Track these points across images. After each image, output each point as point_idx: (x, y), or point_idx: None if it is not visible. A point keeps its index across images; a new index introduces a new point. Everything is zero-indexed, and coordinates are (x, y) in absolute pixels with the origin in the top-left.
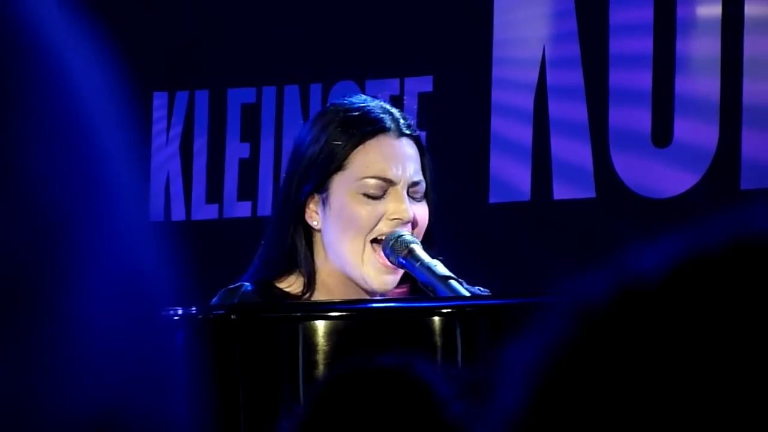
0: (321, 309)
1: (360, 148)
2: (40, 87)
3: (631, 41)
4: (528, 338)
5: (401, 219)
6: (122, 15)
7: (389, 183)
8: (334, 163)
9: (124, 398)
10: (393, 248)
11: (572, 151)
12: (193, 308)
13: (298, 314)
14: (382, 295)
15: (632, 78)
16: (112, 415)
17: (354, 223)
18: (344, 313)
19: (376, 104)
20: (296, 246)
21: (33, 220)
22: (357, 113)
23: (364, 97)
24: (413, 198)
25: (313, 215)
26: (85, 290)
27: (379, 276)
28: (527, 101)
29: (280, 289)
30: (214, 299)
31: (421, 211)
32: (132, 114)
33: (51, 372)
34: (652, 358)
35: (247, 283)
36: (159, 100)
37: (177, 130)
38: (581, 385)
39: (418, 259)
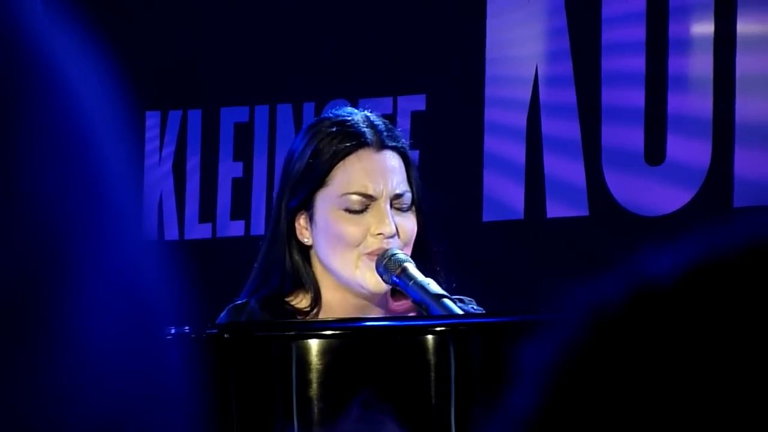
0: (314, 328)
1: (341, 164)
2: (39, 101)
3: (623, 59)
4: (543, 341)
5: (383, 234)
6: (115, 34)
7: (370, 198)
8: (317, 180)
9: (124, 416)
10: (386, 267)
11: (565, 169)
12: (186, 327)
13: (291, 333)
14: (378, 298)
15: (625, 96)
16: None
17: (341, 240)
18: (337, 332)
19: (360, 117)
20: (296, 263)
21: (32, 235)
22: (339, 128)
23: (350, 109)
24: (399, 209)
25: (304, 232)
26: (85, 306)
27: (374, 278)
28: (520, 119)
29: (292, 306)
30: (221, 315)
31: (406, 223)
32: (127, 132)
33: (51, 389)
34: (667, 361)
35: (253, 301)
36: (152, 119)
37: (170, 149)
38: (595, 388)
39: (411, 277)
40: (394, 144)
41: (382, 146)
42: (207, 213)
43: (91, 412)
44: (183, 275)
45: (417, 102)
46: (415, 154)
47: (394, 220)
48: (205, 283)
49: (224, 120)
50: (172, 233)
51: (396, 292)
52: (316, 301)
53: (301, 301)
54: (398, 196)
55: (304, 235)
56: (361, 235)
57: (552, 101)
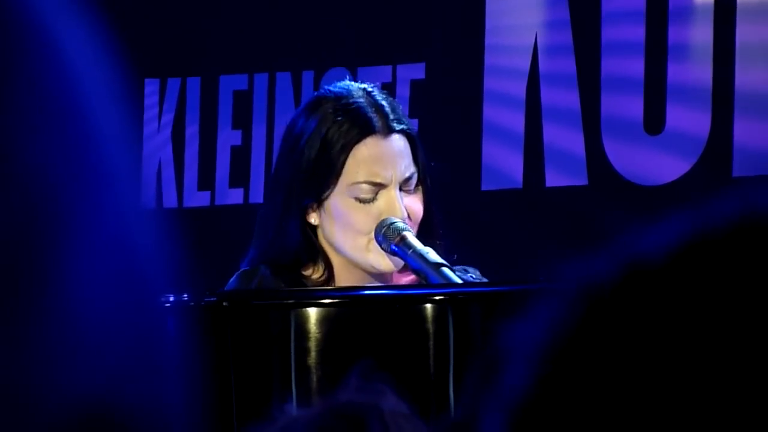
0: (313, 296)
1: (350, 153)
2: (34, 65)
3: (623, 29)
4: (533, 319)
5: (395, 217)
6: (113, 2)
7: (379, 186)
8: (330, 176)
9: (120, 385)
10: (385, 235)
11: (564, 138)
12: (185, 295)
13: (290, 302)
14: (389, 276)
15: (625, 65)
16: (108, 401)
17: (352, 228)
18: (336, 301)
19: (364, 98)
20: (308, 240)
21: (26, 200)
22: (344, 116)
23: (350, 86)
24: (406, 192)
25: (311, 214)
26: (79, 274)
27: (384, 259)
28: (519, 89)
29: (306, 276)
30: (231, 281)
31: (414, 203)
32: (125, 98)
33: (45, 358)
34: (658, 338)
35: (266, 269)
36: (150, 86)
37: (168, 117)
38: (587, 366)
39: (410, 246)
40: (400, 127)
41: (388, 131)
42: (206, 181)
43: (85, 379)
44: (181, 243)
45: (416, 70)
46: (414, 123)
47: (403, 204)
48: (203, 251)
49: (223, 88)
50: (170, 201)
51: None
52: (329, 274)
53: (314, 273)
54: (407, 180)
55: (311, 217)
56: (370, 222)
57: (551, 70)
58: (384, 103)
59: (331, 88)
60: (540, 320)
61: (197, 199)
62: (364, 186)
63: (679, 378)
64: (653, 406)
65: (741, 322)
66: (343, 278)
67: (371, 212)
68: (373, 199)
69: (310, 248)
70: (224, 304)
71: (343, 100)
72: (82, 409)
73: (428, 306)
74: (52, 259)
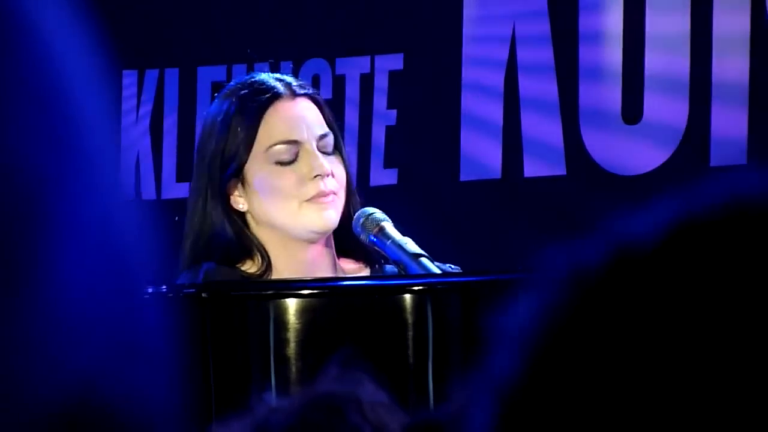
0: (292, 287)
1: (261, 120)
2: (14, 53)
3: (600, 18)
4: (522, 305)
5: (320, 174)
6: None
7: (296, 144)
8: (246, 142)
9: (99, 370)
10: (363, 226)
11: (543, 128)
12: (163, 286)
13: (269, 292)
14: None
15: (602, 55)
16: (91, 390)
17: (279, 193)
18: (315, 291)
19: (265, 76)
20: (238, 231)
21: (7, 193)
22: (249, 89)
23: (253, 73)
24: (324, 153)
25: (237, 199)
26: (62, 264)
27: (318, 218)
28: (498, 79)
29: (243, 272)
30: (178, 281)
31: (335, 165)
32: (105, 89)
33: (28, 348)
34: (647, 324)
35: (208, 263)
36: (129, 78)
37: (147, 108)
38: (576, 352)
39: (389, 237)
40: (304, 92)
41: (294, 95)
42: (184, 172)
43: (68, 368)
44: (160, 234)
45: (395, 61)
46: (392, 114)
47: (324, 162)
48: (182, 242)
49: (201, 79)
50: (149, 193)
51: (343, 251)
52: (267, 265)
53: (251, 267)
54: (322, 137)
55: (238, 203)
56: (296, 185)
57: (529, 60)
58: (285, 77)
59: (231, 83)
60: (529, 306)
61: (176, 190)
62: (281, 147)
63: (668, 364)
64: (642, 392)
65: (729, 308)
66: (282, 265)
67: (294, 174)
68: (293, 161)
69: (243, 239)
70: (203, 295)
71: (246, 81)
72: (65, 399)
73: (407, 296)
74: (34, 249)
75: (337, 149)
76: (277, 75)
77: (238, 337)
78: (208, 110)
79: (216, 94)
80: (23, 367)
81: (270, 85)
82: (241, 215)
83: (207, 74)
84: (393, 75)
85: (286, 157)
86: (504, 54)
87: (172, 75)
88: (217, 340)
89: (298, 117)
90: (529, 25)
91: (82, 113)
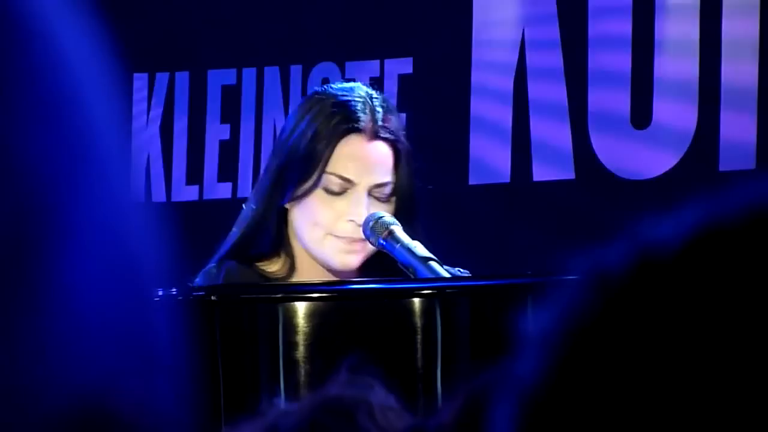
0: (301, 290)
1: (334, 147)
2: (26, 63)
3: (610, 23)
4: (546, 309)
5: (356, 222)
6: None
7: (349, 183)
8: (313, 166)
9: (114, 378)
10: (373, 229)
11: (552, 132)
12: (174, 290)
13: (278, 296)
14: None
15: (611, 60)
16: (102, 394)
17: (313, 218)
18: (324, 295)
19: (361, 98)
20: (278, 230)
21: (19, 197)
22: (338, 110)
23: (350, 85)
24: (377, 198)
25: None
26: (73, 268)
27: (340, 257)
28: (507, 83)
29: (262, 270)
30: (197, 279)
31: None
32: (116, 93)
33: (39, 352)
34: (671, 329)
35: (230, 262)
36: (139, 81)
37: (157, 111)
38: (600, 357)
39: (398, 240)
40: (386, 135)
41: (373, 136)
42: (194, 175)
43: (79, 372)
44: (170, 237)
45: (404, 65)
46: (402, 117)
47: (369, 209)
48: (192, 245)
49: (212, 82)
50: (159, 195)
51: (365, 270)
52: (292, 265)
53: (272, 266)
54: (379, 186)
55: (289, 203)
56: (331, 218)
57: (538, 65)
58: (379, 108)
59: (332, 85)
60: (553, 310)
61: (186, 193)
62: (334, 178)
63: (691, 369)
64: (665, 397)
65: (752, 313)
66: (305, 272)
67: (335, 208)
68: (340, 194)
69: (278, 235)
70: (213, 298)
71: (340, 96)
72: (76, 402)
73: (416, 300)
74: (46, 253)
75: (395, 196)
76: (374, 102)
77: (248, 341)
78: (291, 114)
79: (311, 95)
80: (36, 372)
81: (356, 115)
82: (284, 211)
83: (217, 78)
84: (402, 79)
85: (335, 189)
86: (513, 58)
87: (182, 78)
88: (227, 344)
89: (364, 160)
90: (538, 29)
91: (92, 117)
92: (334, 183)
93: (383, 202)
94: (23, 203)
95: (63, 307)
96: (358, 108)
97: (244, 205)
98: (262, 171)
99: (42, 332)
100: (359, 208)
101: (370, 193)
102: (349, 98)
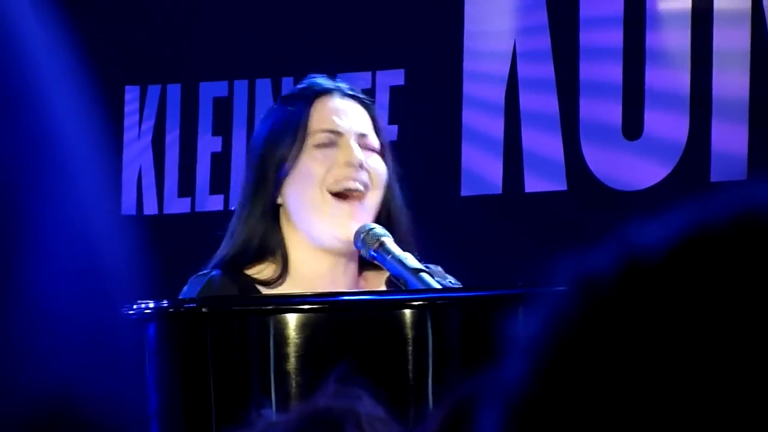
0: (292, 302)
1: (310, 110)
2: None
3: (601, 34)
4: (532, 314)
5: (351, 163)
6: (94, 9)
7: (337, 134)
8: (292, 135)
9: (80, 383)
10: (364, 241)
11: (543, 143)
12: (165, 301)
13: (269, 307)
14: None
15: (603, 71)
16: (67, 397)
17: (309, 176)
18: (315, 306)
19: (316, 77)
20: (268, 232)
21: None
22: (299, 88)
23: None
24: (365, 148)
25: (277, 196)
26: (42, 274)
27: (343, 225)
28: (498, 94)
29: (250, 276)
30: (185, 287)
31: (375, 162)
32: (102, 107)
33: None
34: (656, 334)
35: (216, 271)
36: (131, 93)
37: (149, 124)
38: (588, 363)
39: (389, 251)
40: (353, 93)
41: (343, 95)
42: (186, 187)
43: (42, 370)
44: (162, 249)
45: (396, 77)
46: (393, 129)
47: (360, 155)
48: (184, 257)
49: (203, 94)
50: (151, 207)
51: (366, 265)
52: (284, 268)
53: (263, 272)
54: (363, 135)
55: (277, 197)
56: (326, 167)
57: (530, 76)
58: (341, 83)
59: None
60: (539, 317)
61: (178, 205)
62: (322, 134)
63: (677, 374)
64: (652, 402)
65: (739, 320)
66: (300, 271)
67: (328, 157)
68: (330, 146)
69: (269, 237)
70: (203, 309)
71: (301, 85)
72: (43, 404)
73: (407, 311)
74: (18, 259)
75: (382, 154)
76: (331, 78)
77: (238, 352)
78: (258, 122)
79: (267, 109)
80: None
81: (319, 82)
82: (276, 210)
83: (209, 90)
84: (394, 90)
85: (324, 141)
86: (505, 69)
87: (174, 90)
88: (217, 355)
89: (343, 111)
90: (529, 40)
91: (68, 131)
92: (322, 137)
93: (371, 152)
94: None
95: (32, 311)
96: (320, 81)
97: (233, 217)
98: (242, 178)
99: (11, 335)
100: (350, 150)
101: (358, 143)
102: (310, 80)
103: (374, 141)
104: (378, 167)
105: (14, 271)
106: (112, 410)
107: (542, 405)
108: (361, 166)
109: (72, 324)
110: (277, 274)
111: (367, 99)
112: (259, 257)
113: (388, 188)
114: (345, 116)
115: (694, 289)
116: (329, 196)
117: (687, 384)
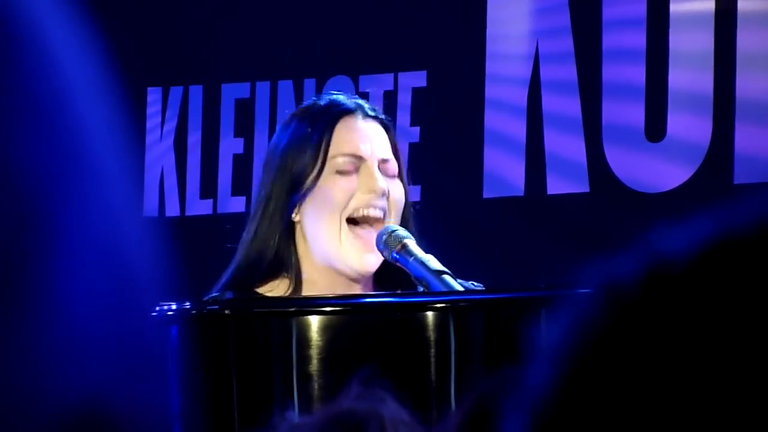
0: (314, 304)
1: (332, 132)
2: (26, 75)
3: (624, 36)
4: (557, 320)
5: (374, 191)
6: (117, 11)
7: (359, 159)
8: (312, 157)
9: (109, 387)
10: (386, 243)
11: (566, 145)
12: (187, 303)
13: (292, 309)
14: (365, 280)
15: (626, 73)
16: (97, 403)
17: (329, 202)
18: (337, 308)
19: (340, 96)
20: (281, 248)
21: (16, 207)
22: (321, 106)
23: (326, 93)
24: (386, 175)
25: (295, 209)
26: (70, 278)
27: (358, 256)
28: (521, 96)
29: (262, 295)
30: None
31: (395, 188)
32: (125, 109)
33: (36, 361)
34: (682, 341)
35: (228, 293)
36: (153, 95)
37: (171, 125)
38: (611, 368)
39: (411, 254)
40: (374, 114)
41: (365, 115)
42: (208, 189)
43: (75, 381)
44: (184, 251)
45: (418, 78)
46: (415, 131)
47: (382, 182)
48: (206, 259)
49: (225, 96)
50: (173, 209)
51: (380, 280)
52: (297, 284)
53: (275, 288)
54: (385, 161)
55: (295, 212)
56: (347, 195)
57: (552, 78)
58: (357, 99)
59: (304, 103)
60: (565, 322)
61: (199, 207)
62: (343, 159)
63: (703, 380)
64: (677, 409)
65: (764, 325)
66: (316, 282)
67: (350, 185)
68: (353, 172)
69: (282, 253)
70: (226, 312)
71: (317, 102)
72: (70, 408)
73: (430, 313)
74: (43, 262)
75: (399, 177)
76: (353, 97)
77: (261, 355)
78: (276, 133)
79: (288, 114)
80: (32, 380)
81: (341, 102)
82: (291, 227)
83: (231, 91)
84: (416, 92)
85: (346, 168)
86: (527, 71)
87: (196, 92)
88: (240, 358)
89: (366, 136)
90: (552, 42)
91: (95, 133)
92: (345, 162)
93: (391, 178)
94: (22, 214)
95: (60, 316)
96: (342, 100)
97: (244, 233)
98: (254, 194)
99: (39, 341)
100: (373, 178)
101: (379, 168)
102: (332, 97)
103: (394, 166)
104: (397, 194)
105: (40, 275)
106: (139, 414)
107: (567, 412)
108: (383, 194)
109: (96, 327)
110: (289, 291)
111: (387, 119)
112: (271, 273)
113: (405, 208)
114: (368, 141)
115: (720, 295)
116: (347, 225)
117: (714, 392)
